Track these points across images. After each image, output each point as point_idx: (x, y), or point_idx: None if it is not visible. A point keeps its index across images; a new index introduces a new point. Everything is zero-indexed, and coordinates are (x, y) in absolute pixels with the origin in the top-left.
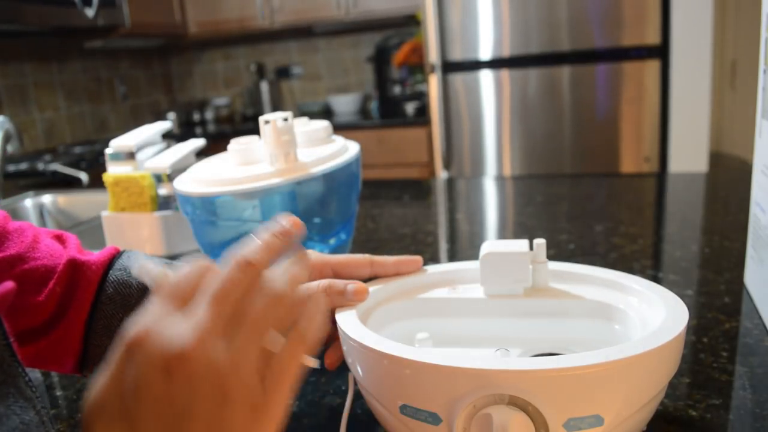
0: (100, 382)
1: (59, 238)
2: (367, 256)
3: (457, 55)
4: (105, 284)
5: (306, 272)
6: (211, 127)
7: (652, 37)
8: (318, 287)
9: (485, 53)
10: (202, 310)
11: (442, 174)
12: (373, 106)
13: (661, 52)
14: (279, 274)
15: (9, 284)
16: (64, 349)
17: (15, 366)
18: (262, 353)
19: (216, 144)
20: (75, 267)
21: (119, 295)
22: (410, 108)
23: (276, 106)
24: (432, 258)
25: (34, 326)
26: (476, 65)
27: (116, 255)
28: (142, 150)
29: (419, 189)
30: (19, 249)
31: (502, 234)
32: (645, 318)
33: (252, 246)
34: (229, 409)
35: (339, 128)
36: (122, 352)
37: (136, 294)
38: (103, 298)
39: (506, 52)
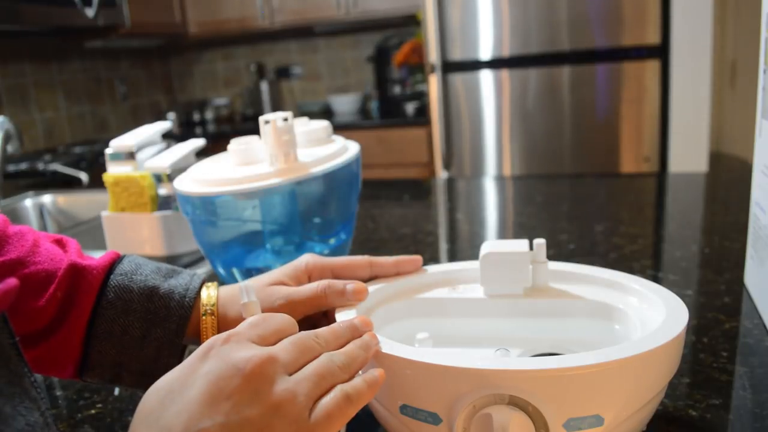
0: (169, 372)
1: (59, 243)
2: (366, 258)
3: (457, 55)
4: (106, 289)
5: (368, 359)
6: (211, 127)
7: (652, 37)
8: (317, 287)
9: (485, 53)
10: (284, 347)
11: (442, 174)
12: (373, 106)
13: (661, 52)
14: (350, 349)
15: (12, 281)
16: (64, 354)
17: (21, 366)
18: (319, 391)
19: (216, 144)
20: (76, 272)
21: (120, 300)
22: (410, 108)
23: (276, 106)
24: (432, 258)
25: (34, 331)
26: (476, 65)
27: (117, 260)
28: (142, 150)
29: (419, 189)
30: (20, 253)
31: (502, 234)
32: (645, 318)
33: (341, 324)
34: (279, 421)
35: (339, 128)
36: (201, 350)
37: (137, 299)
38: (104, 303)
39: (506, 52)
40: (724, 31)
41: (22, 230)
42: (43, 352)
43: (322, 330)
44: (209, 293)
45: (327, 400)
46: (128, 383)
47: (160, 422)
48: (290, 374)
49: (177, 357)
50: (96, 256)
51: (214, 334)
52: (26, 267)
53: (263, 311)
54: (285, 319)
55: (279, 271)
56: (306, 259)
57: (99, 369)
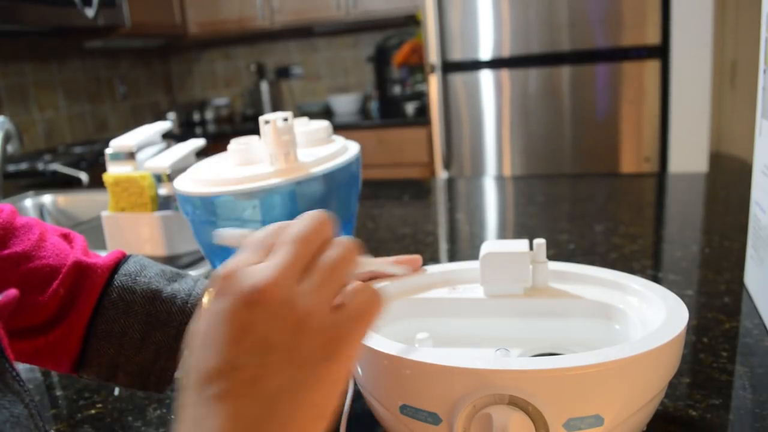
0: (198, 322)
1: (66, 237)
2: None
3: (457, 55)
4: (109, 288)
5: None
6: (211, 127)
7: (652, 37)
8: None
9: (485, 53)
10: (282, 251)
11: (442, 174)
12: (373, 106)
13: (661, 52)
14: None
15: (12, 292)
16: (62, 350)
17: (2, 361)
18: (339, 291)
19: (216, 144)
20: (80, 269)
21: (122, 301)
22: (410, 108)
23: (276, 106)
24: (432, 258)
25: (34, 324)
26: (476, 65)
27: (122, 259)
28: (142, 150)
29: (419, 189)
30: (25, 247)
31: (502, 234)
32: (645, 318)
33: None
34: (304, 337)
35: (339, 128)
36: (212, 294)
37: (139, 300)
38: (106, 302)
39: (506, 52)
40: (724, 31)
41: (30, 223)
42: (41, 345)
43: (303, 221)
44: (210, 299)
45: (353, 297)
46: (124, 383)
47: (201, 370)
48: (301, 277)
49: (175, 361)
50: (102, 255)
51: None
52: (31, 261)
53: None
54: (276, 227)
55: None
56: None
57: (96, 367)
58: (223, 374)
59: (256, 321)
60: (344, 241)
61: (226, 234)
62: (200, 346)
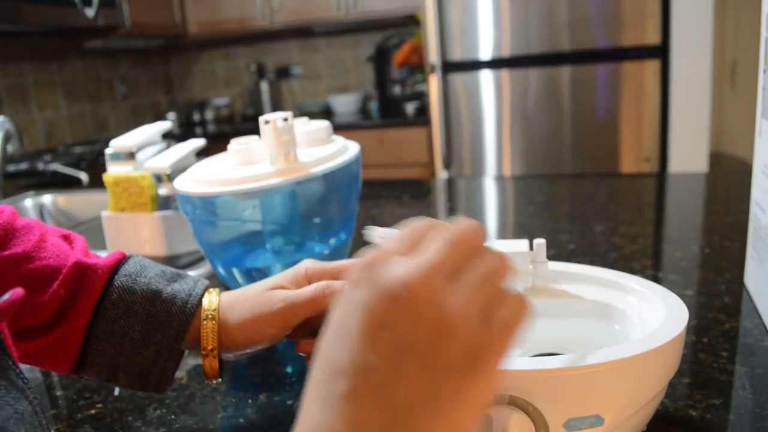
0: (333, 311)
1: (67, 238)
2: None
3: (457, 55)
4: (109, 289)
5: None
6: (211, 127)
7: (652, 37)
8: (316, 288)
9: (485, 53)
10: (434, 248)
11: (442, 174)
12: (373, 106)
13: (661, 52)
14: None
15: (18, 291)
16: (62, 350)
17: (5, 359)
18: (489, 300)
19: (216, 144)
20: (80, 270)
21: (123, 302)
22: (410, 108)
23: (276, 106)
24: None
25: (34, 325)
26: (476, 65)
27: (122, 260)
28: (142, 150)
29: (419, 189)
30: (26, 248)
31: (502, 234)
32: (645, 318)
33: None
34: (448, 343)
35: (339, 128)
36: (351, 281)
37: (139, 301)
38: (107, 303)
39: (506, 52)
40: (724, 31)
41: (30, 224)
42: (41, 346)
43: (457, 224)
44: (210, 299)
45: (502, 312)
46: (124, 384)
47: (331, 362)
48: (451, 280)
49: (175, 361)
50: (102, 255)
51: (214, 339)
52: (31, 262)
53: (262, 315)
54: (426, 225)
55: (278, 276)
56: (305, 264)
57: (96, 367)
58: (354, 373)
59: (397, 319)
60: (497, 253)
61: (377, 232)
62: (332, 338)
